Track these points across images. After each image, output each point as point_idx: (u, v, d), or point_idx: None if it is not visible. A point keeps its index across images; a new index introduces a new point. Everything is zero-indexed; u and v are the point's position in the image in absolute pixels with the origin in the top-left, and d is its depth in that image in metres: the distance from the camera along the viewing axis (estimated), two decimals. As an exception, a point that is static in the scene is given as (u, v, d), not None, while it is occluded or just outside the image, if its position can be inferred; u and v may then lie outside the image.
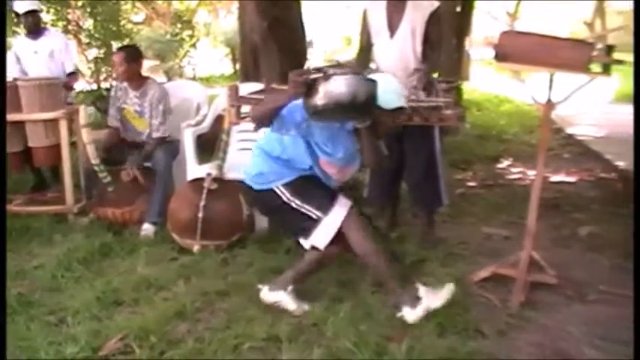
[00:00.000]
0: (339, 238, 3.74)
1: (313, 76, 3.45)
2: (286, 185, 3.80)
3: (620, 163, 7.61)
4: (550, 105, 3.92)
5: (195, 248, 4.73)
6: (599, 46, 3.89)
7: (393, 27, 4.77)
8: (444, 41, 5.50)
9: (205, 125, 5.73)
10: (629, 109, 11.86)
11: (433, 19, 4.71)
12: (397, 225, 5.19)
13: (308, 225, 3.76)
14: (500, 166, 7.93)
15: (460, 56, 12.39)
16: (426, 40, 4.72)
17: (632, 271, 4.49)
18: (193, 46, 17.30)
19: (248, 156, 5.47)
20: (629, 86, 14.49)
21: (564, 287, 4.14)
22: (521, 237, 4.13)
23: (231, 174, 5.04)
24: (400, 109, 3.68)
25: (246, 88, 5.05)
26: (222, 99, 5.23)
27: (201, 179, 4.88)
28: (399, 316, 3.66)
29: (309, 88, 3.40)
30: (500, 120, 11.17)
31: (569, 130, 10.23)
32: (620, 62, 4.01)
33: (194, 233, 4.72)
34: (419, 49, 4.72)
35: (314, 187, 3.82)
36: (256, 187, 3.90)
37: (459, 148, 8.36)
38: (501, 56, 3.77)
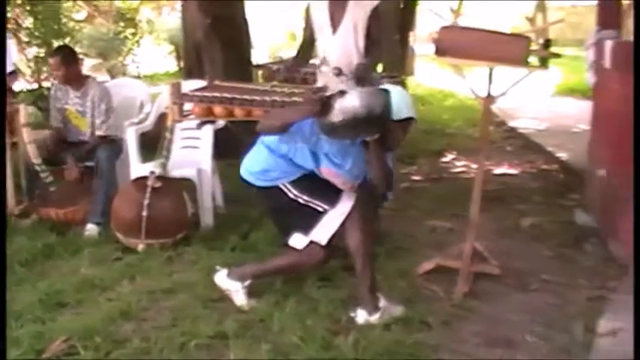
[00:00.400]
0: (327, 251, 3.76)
1: (329, 93, 3.47)
2: (292, 183, 3.78)
3: (561, 155, 7.76)
4: (490, 99, 3.99)
5: (140, 247, 4.69)
6: (537, 40, 3.97)
7: (335, 23, 4.81)
8: (387, 37, 5.55)
9: (148, 123, 5.68)
10: (569, 102, 12.16)
11: (374, 15, 4.77)
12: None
13: (312, 220, 3.73)
14: (444, 159, 8.01)
15: (404, 52, 12.47)
16: (368, 36, 4.77)
17: (572, 259, 4.63)
18: (136, 43, 17.10)
19: (192, 153, 5.50)
20: (569, 80, 14.79)
21: (507, 277, 4.23)
22: (465, 229, 4.19)
23: (175, 172, 5.02)
24: (410, 119, 3.67)
25: (189, 85, 5.03)
26: (165, 97, 5.19)
27: (144, 178, 4.83)
28: (352, 315, 3.69)
29: (324, 106, 3.40)
30: (444, 114, 11.29)
31: (511, 124, 10.37)
32: (557, 55, 4.10)
33: (138, 232, 4.67)
34: (361, 44, 4.78)
35: (320, 183, 3.80)
36: (259, 183, 3.86)
37: (404, 142, 8.41)
38: (441, 51, 3.82)
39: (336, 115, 3.36)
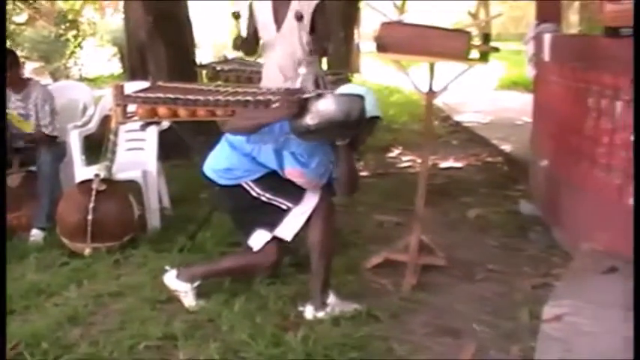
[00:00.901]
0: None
1: (305, 95, 3.43)
2: (255, 181, 3.73)
3: (505, 147, 7.89)
4: (432, 94, 4.04)
5: (86, 251, 4.63)
6: (480, 34, 4.04)
7: (279, 20, 4.80)
8: (332, 33, 5.57)
9: (92, 126, 5.61)
10: (512, 95, 12.37)
11: (319, 11, 4.77)
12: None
13: (276, 218, 3.71)
14: (391, 155, 8.09)
15: (349, 48, 12.55)
16: (313, 32, 4.77)
17: (517, 248, 4.72)
18: (79, 46, 16.90)
19: (137, 155, 5.45)
20: (512, 73, 15.04)
21: (454, 268, 4.30)
22: (412, 223, 4.24)
23: (120, 174, 4.97)
24: (376, 117, 3.63)
25: (132, 87, 4.98)
26: (109, 99, 5.14)
27: (89, 181, 4.76)
28: (299, 310, 3.71)
29: (300, 108, 3.36)
30: (390, 110, 11.37)
31: (456, 118, 10.51)
32: (496, 50, 4.18)
33: (84, 236, 4.62)
34: (306, 41, 4.77)
35: (283, 181, 3.75)
36: (222, 182, 3.81)
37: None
38: (382, 47, 3.86)
39: (312, 118, 3.32)
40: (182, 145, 5.80)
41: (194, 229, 4.82)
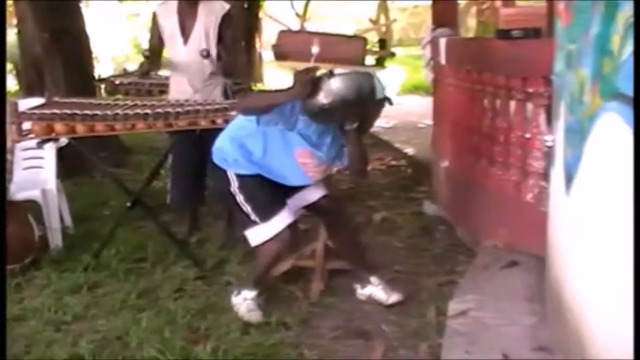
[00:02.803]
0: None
1: (318, 74, 3.40)
2: (239, 176, 3.67)
3: (409, 150, 8.03)
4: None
5: (-14, 275, 4.48)
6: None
7: (186, 31, 4.76)
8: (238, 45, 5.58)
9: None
10: (414, 100, 12.58)
11: (225, 22, 4.76)
12: (198, 229, 5.17)
13: (245, 221, 3.69)
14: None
15: (251, 58, 12.52)
16: (220, 43, 4.76)
17: (423, 248, 4.81)
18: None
19: (35, 174, 5.30)
20: (413, 78, 15.29)
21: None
22: (318, 228, 4.27)
23: (18, 194, 4.82)
24: (384, 99, 3.54)
25: (27, 104, 4.84)
26: (3, 117, 4.97)
27: (-14, 202, 4.62)
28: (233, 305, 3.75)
29: (313, 87, 3.33)
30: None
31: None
32: (393, 55, 4.26)
33: (-17, 260, 4.46)
34: (214, 52, 4.75)
35: (263, 191, 3.69)
36: (214, 160, 3.77)
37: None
38: (280, 55, 3.88)
39: (325, 97, 3.31)
40: (83, 162, 5.69)
41: (98, 247, 4.71)
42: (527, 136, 4.13)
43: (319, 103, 3.35)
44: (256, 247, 3.73)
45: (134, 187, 4.90)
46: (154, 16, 4.94)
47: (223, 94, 4.82)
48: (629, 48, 1.90)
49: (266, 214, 3.64)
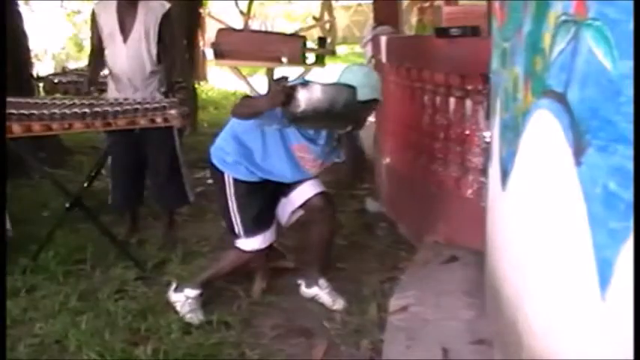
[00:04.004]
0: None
1: (291, 83, 3.37)
2: (236, 182, 3.66)
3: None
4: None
5: None
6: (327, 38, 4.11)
7: (125, 30, 4.69)
8: (179, 43, 5.51)
9: None
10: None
11: (166, 21, 4.72)
12: (138, 230, 5.12)
13: (231, 226, 3.73)
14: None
15: (193, 56, 12.39)
16: (160, 42, 4.71)
17: (365, 245, 4.83)
18: None
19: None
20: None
21: (303, 269, 4.32)
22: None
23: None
24: (374, 101, 3.54)
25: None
26: None
27: None
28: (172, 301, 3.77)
29: (287, 96, 3.26)
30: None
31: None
32: (332, 52, 4.26)
33: None
34: (154, 51, 4.72)
35: (257, 202, 3.70)
36: (213, 159, 3.74)
37: (197, 147, 8.36)
38: (219, 54, 3.87)
39: (297, 106, 3.25)
40: (20, 163, 5.57)
41: (36, 249, 4.62)
42: (467, 132, 4.18)
43: (292, 111, 3.32)
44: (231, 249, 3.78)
45: (74, 188, 4.81)
46: (93, 14, 4.87)
47: (164, 92, 4.78)
48: (560, 46, 1.94)
49: (252, 230, 3.68)
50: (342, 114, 3.30)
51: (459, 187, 4.24)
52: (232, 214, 3.70)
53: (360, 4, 27.45)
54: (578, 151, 1.79)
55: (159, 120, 4.20)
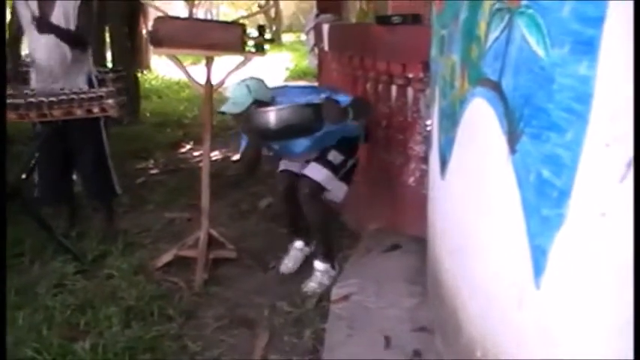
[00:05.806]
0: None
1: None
2: None
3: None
4: (209, 87, 4.04)
5: None
6: (270, 27, 4.07)
7: (45, 17, 4.57)
8: (93, 29, 5.35)
9: None
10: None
11: (83, 7, 4.59)
12: (76, 223, 5.00)
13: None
14: (181, 151, 7.99)
15: (134, 45, 12.15)
16: (78, 28, 4.60)
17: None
18: None
19: None
20: (301, 64, 15.37)
21: (245, 259, 4.30)
22: (200, 217, 4.21)
23: None
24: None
25: None
26: None
27: None
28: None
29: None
30: (180, 106, 11.27)
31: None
32: (272, 41, 4.22)
33: None
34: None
35: None
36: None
37: (139, 137, 8.28)
38: (156, 41, 3.79)
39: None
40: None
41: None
42: (409, 120, 4.19)
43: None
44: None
45: (12, 180, 4.68)
46: (14, 3, 4.74)
47: (88, 82, 4.67)
48: (494, 34, 1.94)
49: None
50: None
51: (402, 175, 4.25)
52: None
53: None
54: (512, 139, 1.80)
55: (96, 110, 4.12)
